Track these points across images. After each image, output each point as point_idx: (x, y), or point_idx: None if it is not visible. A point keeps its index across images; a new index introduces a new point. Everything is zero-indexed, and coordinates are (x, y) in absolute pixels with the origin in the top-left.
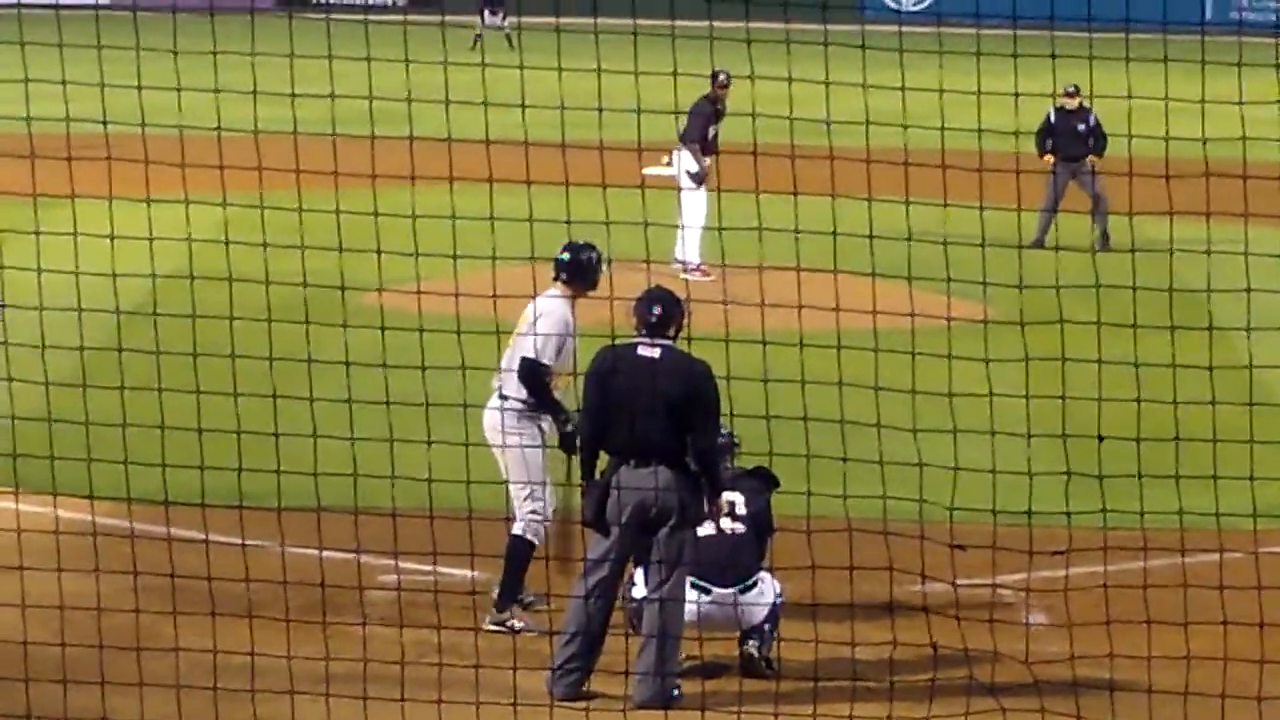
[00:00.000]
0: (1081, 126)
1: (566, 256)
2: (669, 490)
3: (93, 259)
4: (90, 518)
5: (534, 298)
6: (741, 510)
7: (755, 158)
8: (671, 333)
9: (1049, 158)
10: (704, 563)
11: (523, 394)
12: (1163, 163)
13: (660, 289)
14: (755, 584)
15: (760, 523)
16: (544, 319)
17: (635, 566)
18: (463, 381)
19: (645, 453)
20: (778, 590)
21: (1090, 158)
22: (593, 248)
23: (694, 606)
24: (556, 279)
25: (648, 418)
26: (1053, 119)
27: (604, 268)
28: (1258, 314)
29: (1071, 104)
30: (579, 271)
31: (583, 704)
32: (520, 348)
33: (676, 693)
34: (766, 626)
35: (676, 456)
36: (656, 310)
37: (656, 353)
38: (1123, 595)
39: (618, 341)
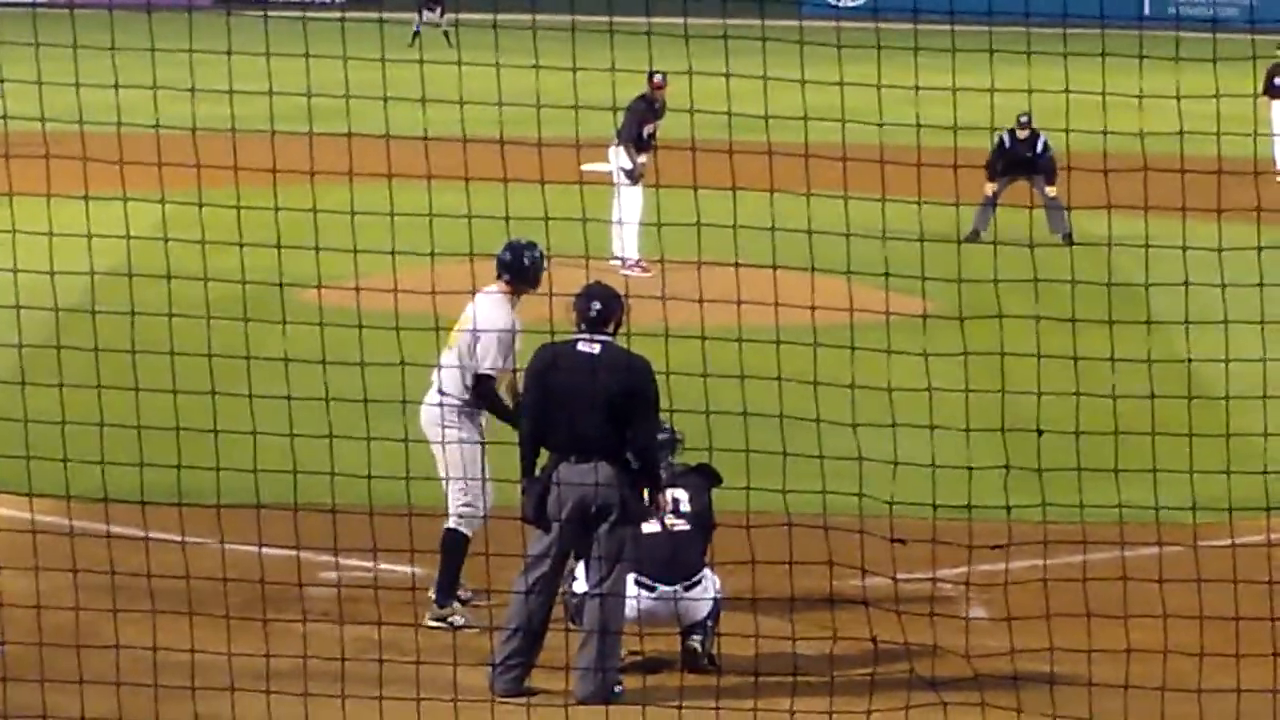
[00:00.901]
0: (1029, 154)
1: (509, 256)
2: (609, 486)
3: (31, 256)
4: (29, 515)
5: (473, 293)
6: (686, 507)
7: (694, 153)
8: (611, 329)
9: (990, 186)
10: (648, 560)
11: (460, 391)
12: (1101, 157)
13: (599, 285)
14: (699, 581)
15: (704, 520)
16: (486, 324)
17: (576, 562)
18: (402, 378)
19: (585, 449)
20: (718, 587)
21: (1045, 185)
22: (535, 246)
23: (635, 603)
24: (499, 277)
25: (587, 413)
26: (1006, 143)
27: (545, 265)
28: (1196, 308)
29: (1023, 134)
30: (522, 271)
31: (523, 700)
32: (461, 348)
33: (618, 688)
34: (709, 623)
35: (616, 452)
36: (596, 306)
37: (596, 349)
38: (1063, 589)
39: (557, 338)
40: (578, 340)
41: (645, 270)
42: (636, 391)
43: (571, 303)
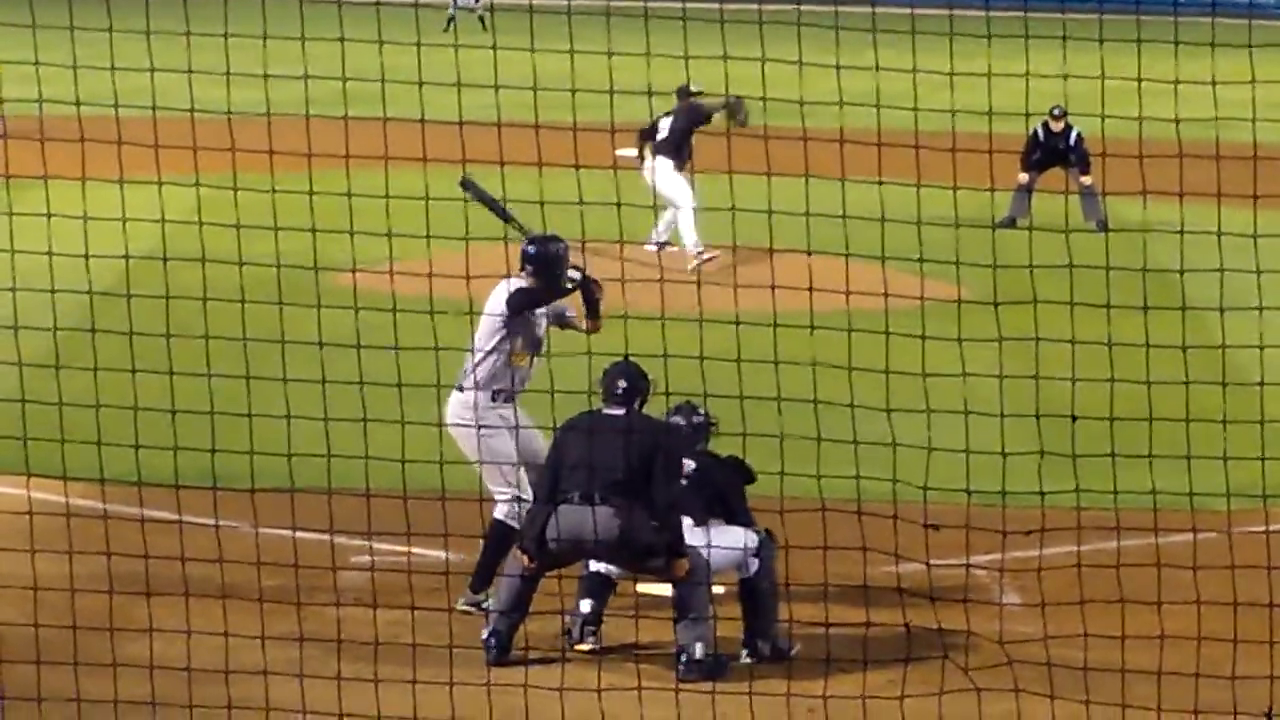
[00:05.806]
0: (1063, 145)
1: (532, 250)
2: (611, 525)
3: (66, 240)
4: (63, 499)
5: (505, 278)
6: (688, 470)
7: (729, 138)
8: (637, 405)
9: (1024, 176)
10: None
11: (485, 379)
12: (1136, 143)
13: (627, 363)
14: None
15: (705, 481)
16: (489, 309)
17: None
18: (436, 362)
19: (589, 493)
20: (755, 569)
21: (1080, 175)
22: (559, 239)
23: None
24: (523, 269)
25: (604, 464)
26: (1040, 136)
27: (570, 259)
28: (1230, 294)
29: (1057, 126)
30: (545, 264)
31: (555, 687)
32: (483, 330)
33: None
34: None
35: (626, 498)
36: (622, 384)
37: (622, 411)
38: (1096, 575)
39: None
40: (604, 408)
41: (715, 254)
42: (658, 448)
43: (599, 379)
